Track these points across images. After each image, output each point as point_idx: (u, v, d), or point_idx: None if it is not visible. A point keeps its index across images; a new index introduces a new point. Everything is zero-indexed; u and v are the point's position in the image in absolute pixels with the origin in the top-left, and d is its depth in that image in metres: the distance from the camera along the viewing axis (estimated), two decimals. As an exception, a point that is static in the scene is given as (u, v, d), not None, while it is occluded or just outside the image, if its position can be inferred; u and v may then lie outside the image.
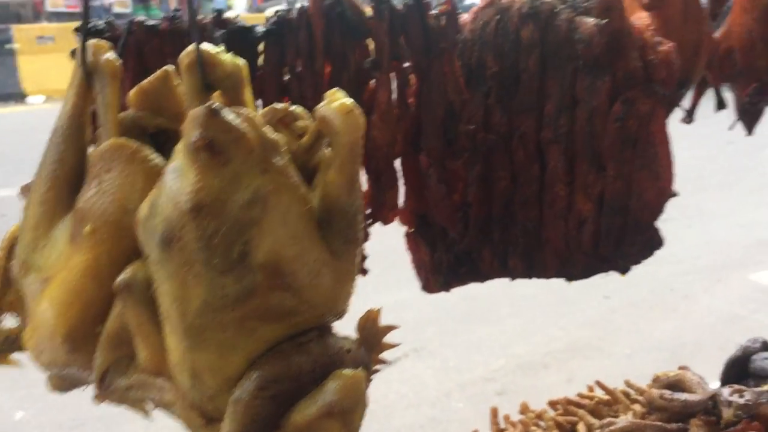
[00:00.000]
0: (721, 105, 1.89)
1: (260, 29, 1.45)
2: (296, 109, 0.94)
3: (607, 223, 1.61)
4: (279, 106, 0.93)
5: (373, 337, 0.92)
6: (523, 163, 1.64)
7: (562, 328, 4.81)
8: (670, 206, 1.69)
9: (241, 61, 0.90)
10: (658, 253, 1.67)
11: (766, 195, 6.97)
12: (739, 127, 1.99)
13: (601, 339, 4.75)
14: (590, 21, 1.51)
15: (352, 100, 0.86)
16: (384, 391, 4.09)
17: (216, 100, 0.90)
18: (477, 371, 4.37)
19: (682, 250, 5.59)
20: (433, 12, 1.52)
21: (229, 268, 0.83)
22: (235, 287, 0.84)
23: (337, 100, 0.86)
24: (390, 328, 0.95)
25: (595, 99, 1.54)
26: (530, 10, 1.56)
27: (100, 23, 1.37)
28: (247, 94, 0.92)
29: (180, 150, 0.84)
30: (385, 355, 1.00)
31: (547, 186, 1.64)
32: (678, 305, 5.19)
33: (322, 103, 0.88)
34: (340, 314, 0.93)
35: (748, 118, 1.99)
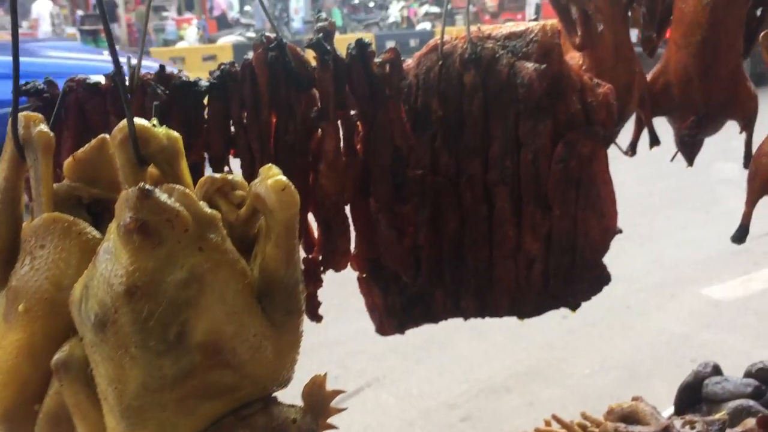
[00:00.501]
0: (654, 141, 1.94)
1: (204, 83, 1.45)
2: (235, 178, 0.94)
3: (556, 261, 1.63)
4: (217, 175, 0.92)
5: (319, 403, 0.92)
6: (472, 205, 1.65)
7: (523, 350, 4.85)
8: (623, 226, 1.72)
9: (175, 134, 0.89)
10: (614, 272, 1.70)
11: (712, 212, 7.17)
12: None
13: (561, 360, 4.80)
14: (530, 66, 1.54)
15: (285, 177, 0.85)
16: (347, 422, 4.05)
17: (150, 174, 0.89)
18: (440, 398, 4.37)
19: (636, 269, 5.70)
20: (377, 60, 1.53)
21: (166, 349, 0.82)
22: (173, 368, 0.82)
23: (271, 177, 0.86)
24: (337, 393, 0.94)
25: (538, 141, 1.57)
26: (471, 55, 1.58)
27: (39, 83, 1.35)
28: (183, 166, 0.91)
29: (112, 230, 0.83)
30: (348, 385, 0.99)
31: (495, 227, 1.65)
32: (634, 323, 5.29)
33: (256, 180, 0.88)
34: (284, 383, 0.92)
35: (688, 149, 2.04)
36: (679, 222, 7.11)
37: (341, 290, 1.96)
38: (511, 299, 1.70)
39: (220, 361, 0.84)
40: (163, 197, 0.80)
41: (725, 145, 2.28)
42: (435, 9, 26.22)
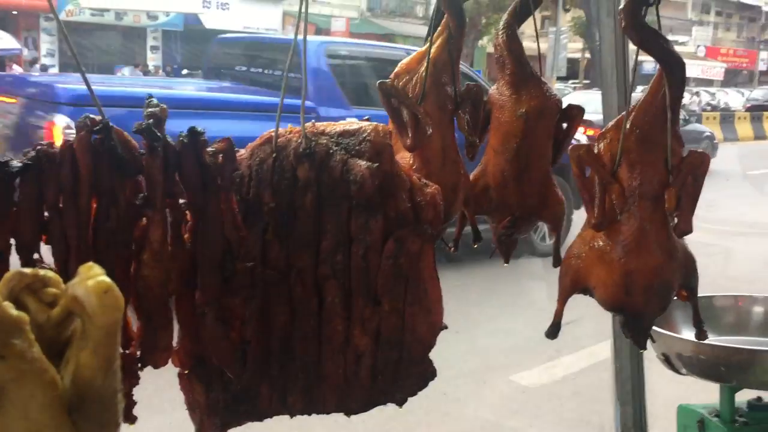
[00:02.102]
0: (477, 238, 2.05)
1: (16, 164, 1.33)
2: (47, 273, 0.85)
3: (384, 357, 1.64)
4: (26, 270, 0.83)
5: None
6: (302, 299, 1.63)
7: (343, 441, 4.79)
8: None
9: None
10: (432, 360, 1.72)
11: (519, 303, 7.68)
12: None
13: (381, 449, 4.79)
14: (362, 164, 1.57)
15: (108, 278, 0.78)
16: None
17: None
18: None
19: (452, 356, 5.90)
20: (210, 149, 1.50)
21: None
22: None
23: (91, 278, 0.79)
24: None
25: (369, 237, 1.59)
26: (306, 150, 1.59)
27: None
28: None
29: None
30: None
31: (325, 321, 1.64)
32: (450, 410, 5.43)
33: (74, 280, 0.80)
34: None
35: (505, 248, 2.17)
36: (491, 312, 7.53)
37: (155, 380, 1.85)
38: (339, 395, 1.68)
39: (20, 486, 0.73)
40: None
41: (529, 239, 2.47)
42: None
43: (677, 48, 1.97)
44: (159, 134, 1.41)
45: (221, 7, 34.44)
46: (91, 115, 1.38)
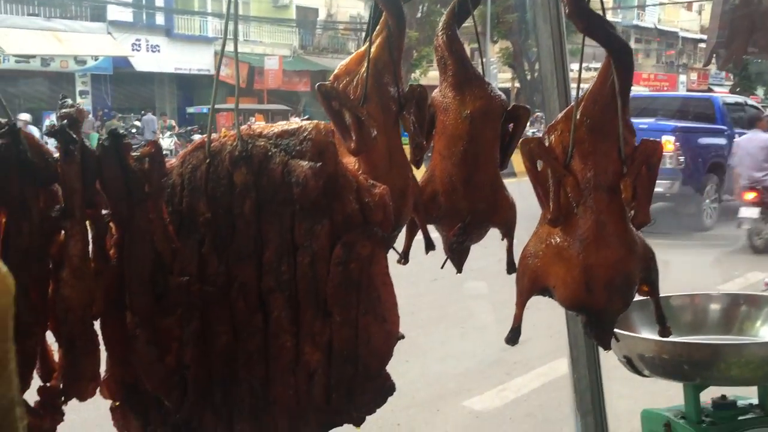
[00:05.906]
0: (429, 246, 1.95)
1: None
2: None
3: (338, 372, 1.51)
4: None
5: None
6: (245, 315, 1.50)
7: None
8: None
9: None
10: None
11: (467, 326, 7.62)
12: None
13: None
14: (304, 164, 1.46)
15: None
16: None
17: None
18: None
19: (403, 385, 5.78)
20: (135, 154, 1.37)
21: None
22: None
23: None
24: None
25: (315, 243, 1.47)
26: (242, 153, 1.48)
27: None
28: None
29: None
30: None
31: (271, 338, 1.51)
32: (404, 440, 5.29)
33: None
34: None
35: (456, 256, 2.08)
36: (440, 337, 7.44)
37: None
38: (291, 419, 1.53)
39: None
40: None
41: (474, 264, 2.39)
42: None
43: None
44: (74, 136, 1.27)
45: (152, 49, 34.05)
46: (-3, 118, 1.24)
